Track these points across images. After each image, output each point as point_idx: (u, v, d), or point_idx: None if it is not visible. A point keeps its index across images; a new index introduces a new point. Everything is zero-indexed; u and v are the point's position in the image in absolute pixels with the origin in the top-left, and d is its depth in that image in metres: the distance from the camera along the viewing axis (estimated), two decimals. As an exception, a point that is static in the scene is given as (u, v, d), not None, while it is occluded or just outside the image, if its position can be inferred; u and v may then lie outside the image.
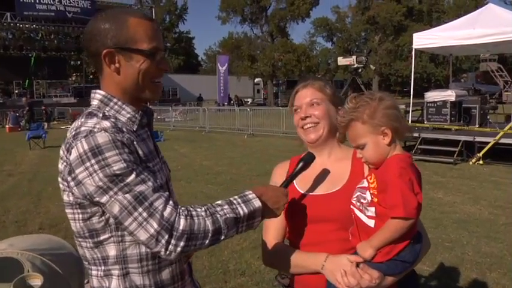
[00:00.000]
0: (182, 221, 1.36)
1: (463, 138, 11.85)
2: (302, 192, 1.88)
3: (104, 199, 1.37)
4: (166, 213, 1.36)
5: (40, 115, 30.15)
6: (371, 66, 42.68)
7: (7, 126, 26.87)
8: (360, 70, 23.83)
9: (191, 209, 1.41)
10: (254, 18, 59.92)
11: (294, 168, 1.79)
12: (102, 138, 1.38)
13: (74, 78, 47.30)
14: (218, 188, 8.84)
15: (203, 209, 1.43)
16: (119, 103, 1.55)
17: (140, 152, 1.49)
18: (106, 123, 1.43)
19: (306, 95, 1.91)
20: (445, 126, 12.89)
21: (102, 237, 1.49)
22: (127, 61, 1.51)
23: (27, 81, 38.92)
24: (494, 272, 4.92)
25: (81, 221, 1.49)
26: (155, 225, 1.34)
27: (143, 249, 1.48)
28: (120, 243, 1.49)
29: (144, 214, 1.35)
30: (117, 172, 1.36)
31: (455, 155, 11.63)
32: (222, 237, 1.44)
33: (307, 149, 1.94)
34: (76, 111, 31.13)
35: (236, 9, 57.94)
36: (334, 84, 44.85)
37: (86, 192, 1.39)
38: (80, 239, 1.55)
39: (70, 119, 30.94)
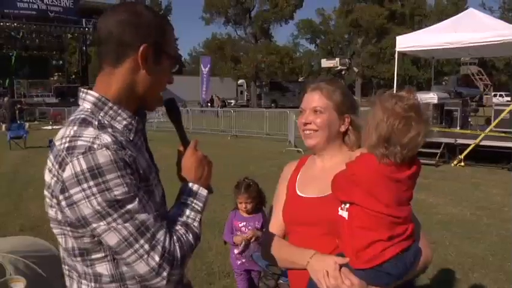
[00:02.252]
0: (178, 249, 1.31)
1: (444, 140, 11.99)
2: (299, 193, 1.90)
3: (101, 226, 1.25)
4: (167, 244, 1.29)
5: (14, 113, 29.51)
6: (354, 68, 42.92)
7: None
8: (343, 72, 23.91)
9: (173, 230, 1.35)
10: (238, 20, 59.91)
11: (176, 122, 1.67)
12: (103, 157, 1.23)
13: (55, 78, 46.60)
14: (202, 190, 8.74)
15: (178, 225, 1.38)
16: (115, 108, 1.39)
17: (141, 171, 1.35)
18: (106, 138, 1.27)
19: (313, 100, 1.87)
20: (427, 129, 13.01)
21: (94, 256, 1.36)
22: (155, 64, 1.41)
23: (7, 80, 38.35)
24: (476, 272, 4.98)
25: (72, 238, 1.36)
26: (157, 258, 1.27)
27: None
28: (115, 261, 1.36)
29: (146, 246, 1.26)
30: (119, 197, 1.24)
31: (437, 156, 11.76)
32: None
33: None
34: (57, 111, 30.68)
35: (220, 10, 57.85)
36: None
37: (80, 215, 1.26)
38: (68, 254, 1.41)
39: (51, 119, 30.48)
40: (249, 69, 53.19)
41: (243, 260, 3.76)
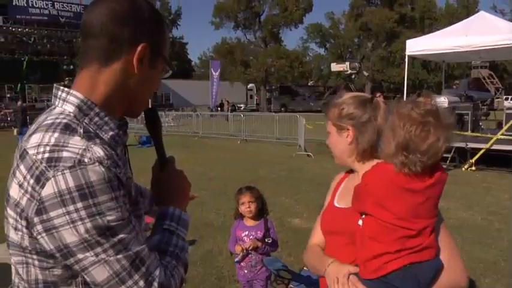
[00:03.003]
0: (173, 284, 1.16)
1: (455, 144, 11.87)
2: (335, 204, 1.96)
3: (88, 258, 1.04)
4: (163, 280, 1.12)
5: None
6: (364, 72, 42.86)
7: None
8: (353, 76, 23.93)
9: (163, 262, 1.18)
10: (247, 24, 59.94)
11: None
12: (95, 174, 1.02)
13: (66, 83, 46.80)
14: (210, 194, 8.78)
15: (168, 257, 1.21)
16: (101, 114, 1.17)
17: (133, 192, 1.18)
18: (98, 151, 1.06)
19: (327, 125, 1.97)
20: (438, 133, 12.93)
21: None
22: (150, 67, 1.23)
23: (19, 85, 38.73)
24: (488, 277, 4.94)
25: (37, 269, 1.12)
26: None
27: None
28: None
29: (141, 283, 1.08)
30: (112, 224, 1.04)
31: (448, 161, 11.67)
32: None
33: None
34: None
35: (229, 14, 57.94)
36: (327, 90, 45.02)
37: (62, 244, 1.03)
38: (28, 287, 1.17)
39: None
40: (259, 74, 53.23)
41: (245, 271, 3.74)
